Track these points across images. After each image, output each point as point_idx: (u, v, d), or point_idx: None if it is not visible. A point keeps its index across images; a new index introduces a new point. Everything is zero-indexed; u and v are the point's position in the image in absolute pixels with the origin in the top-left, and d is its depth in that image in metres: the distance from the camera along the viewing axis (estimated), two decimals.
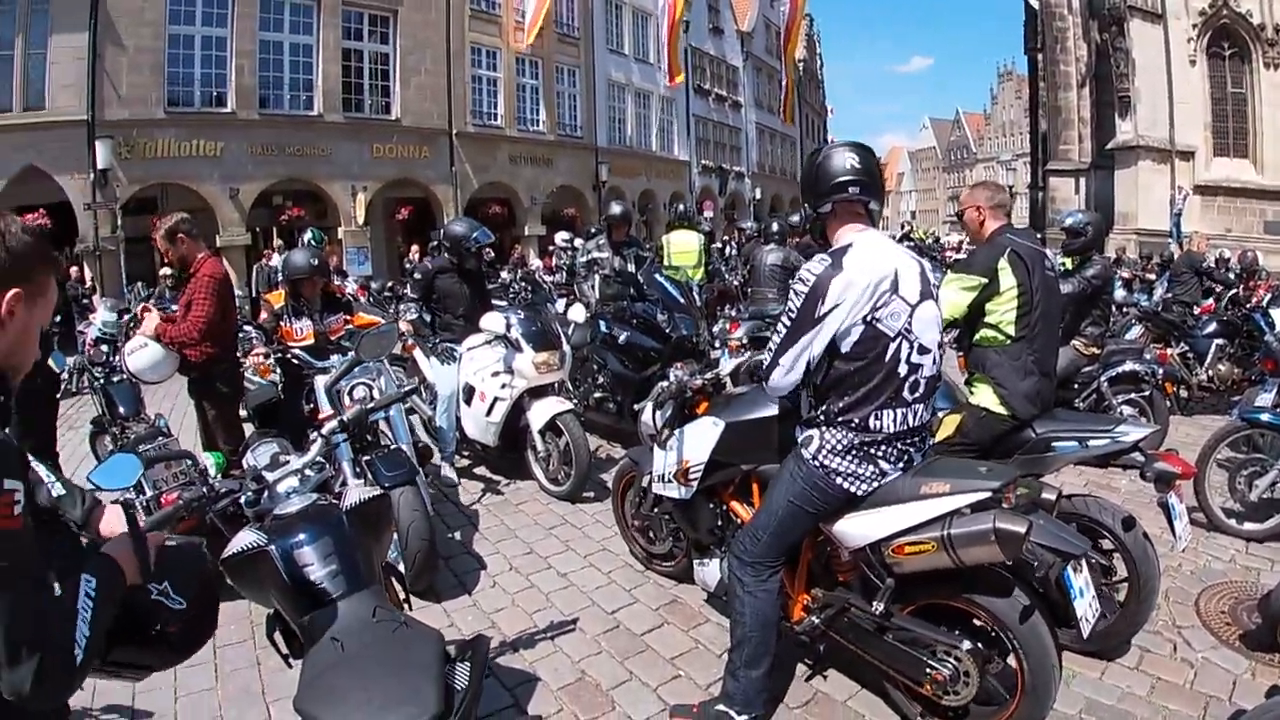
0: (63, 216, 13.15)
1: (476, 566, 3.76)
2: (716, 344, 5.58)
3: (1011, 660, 2.11)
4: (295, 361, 4.15)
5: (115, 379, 4.94)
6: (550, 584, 3.55)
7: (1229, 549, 3.75)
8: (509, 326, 4.64)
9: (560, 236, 13.15)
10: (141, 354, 3.81)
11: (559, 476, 4.61)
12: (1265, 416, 3.85)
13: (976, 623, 2.17)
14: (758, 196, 32.53)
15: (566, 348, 4.86)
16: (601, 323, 5.70)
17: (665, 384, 2.88)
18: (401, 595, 2.21)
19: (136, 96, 13.92)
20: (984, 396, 2.94)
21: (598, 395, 5.68)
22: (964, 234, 4.12)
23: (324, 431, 2.50)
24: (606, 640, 3.03)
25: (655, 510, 3.33)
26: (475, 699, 1.60)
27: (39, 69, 13.33)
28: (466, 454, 5.24)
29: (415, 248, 14.91)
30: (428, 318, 5.11)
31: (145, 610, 1.48)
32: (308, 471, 2.25)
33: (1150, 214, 20.25)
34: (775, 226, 7.75)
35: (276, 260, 10.32)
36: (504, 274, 11.22)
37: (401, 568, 3.25)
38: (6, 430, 1.15)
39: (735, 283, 9.84)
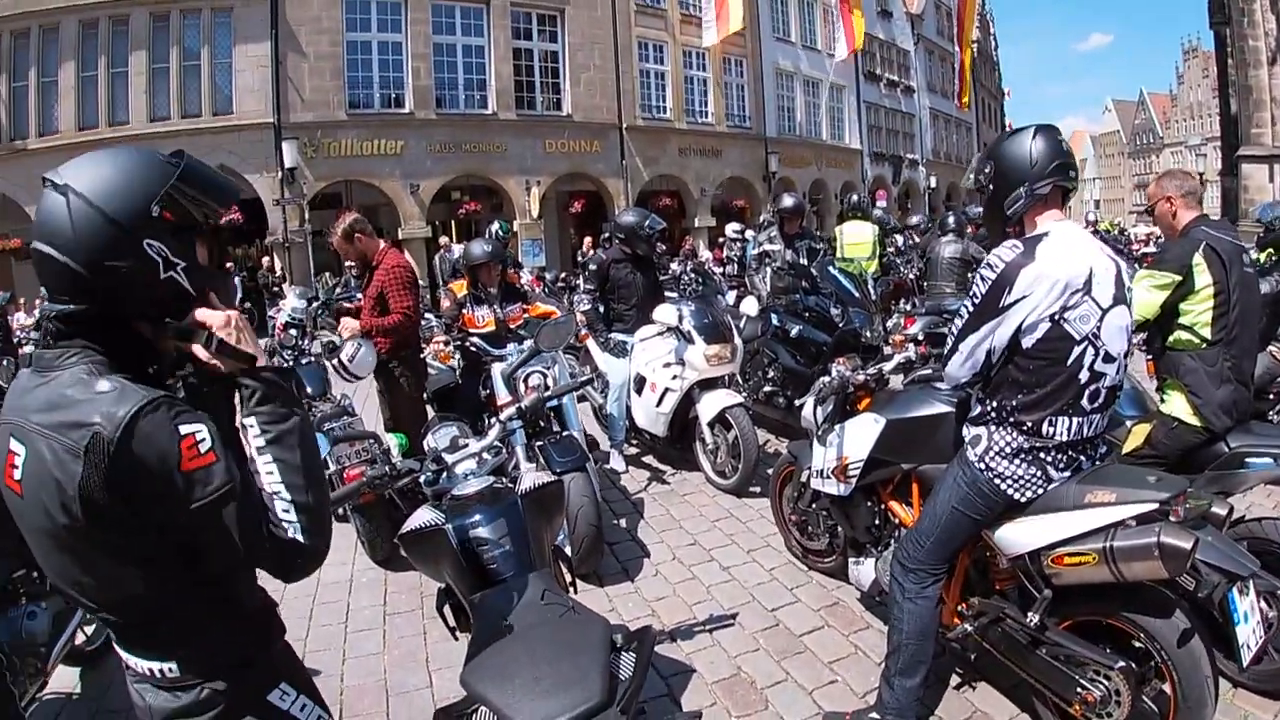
0: (253, 211, 14.58)
1: (640, 554, 3.81)
2: (889, 340, 5.32)
3: (1164, 685, 1.98)
4: (473, 349, 4.39)
5: (304, 361, 5.15)
6: (712, 577, 3.54)
7: None
8: (681, 318, 4.66)
9: (731, 228, 13.10)
10: (362, 356, 3.98)
11: (726, 470, 4.59)
12: None
13: (1133, 642, 2.04)
14: (933, 185, 30.68)
15: (738, 340, 4.83)
16: (773, 316, 5.62)
17: (827, 379, 2.87)
18: (568, 578, 2.30)
19: (319, 100, 15.19)
20: (1176, 405, 2.74)
21: (768, 389, 5.56)
22: (1153, 225, 3.76)
23: (502, 417, 2.59)
24: (765, 638, 3.00)
25: (813, 505, 3.31)
26: (638, 690, 1.59)
27: (225, 77, 14.86)
28: (635, 443, 5.33)
29: (587, 240, 15.28)
30: (601, 309, 5.26)
31: None
32: (485, 455, 2.32)
33: None
34: (952, 219, 7.47)
35: (457, 250, 10.80)
36: (674, 265, 11.33)
37: (568, 550, 3.29)
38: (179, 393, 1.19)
39: (911, 276, 9.32)
